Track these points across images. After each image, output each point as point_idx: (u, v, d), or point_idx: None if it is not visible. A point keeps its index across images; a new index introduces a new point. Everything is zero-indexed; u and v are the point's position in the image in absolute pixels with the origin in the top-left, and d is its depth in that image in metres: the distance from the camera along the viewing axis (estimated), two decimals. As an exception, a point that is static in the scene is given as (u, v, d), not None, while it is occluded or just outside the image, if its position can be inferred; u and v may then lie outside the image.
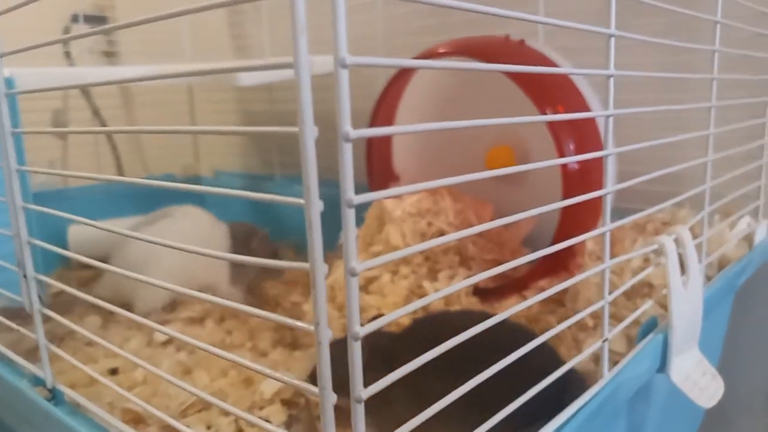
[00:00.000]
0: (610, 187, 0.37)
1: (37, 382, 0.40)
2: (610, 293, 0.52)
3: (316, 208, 0.19)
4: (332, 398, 0.20)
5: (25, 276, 0.38)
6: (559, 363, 0.35)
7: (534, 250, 0.77)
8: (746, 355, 0.76)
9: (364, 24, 0.99)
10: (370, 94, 0.78)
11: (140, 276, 0.32)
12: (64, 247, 0.82)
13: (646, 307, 0.43)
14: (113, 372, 0.58)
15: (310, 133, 0.18)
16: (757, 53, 0.60)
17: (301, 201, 0.19)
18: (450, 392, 0.25)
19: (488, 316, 0.48)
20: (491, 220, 0.76)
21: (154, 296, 0.76)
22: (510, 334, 0.33)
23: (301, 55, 0.18)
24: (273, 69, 0.19)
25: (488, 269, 0.76)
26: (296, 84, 0.18)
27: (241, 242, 0.83)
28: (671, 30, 0.74)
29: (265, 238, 0.87)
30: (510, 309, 0.31)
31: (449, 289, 0.25)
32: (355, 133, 0.19)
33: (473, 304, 0.67)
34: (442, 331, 0.26)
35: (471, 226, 0.73)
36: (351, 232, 0.19)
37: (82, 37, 0.26)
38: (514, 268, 0.74)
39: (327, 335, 0.19)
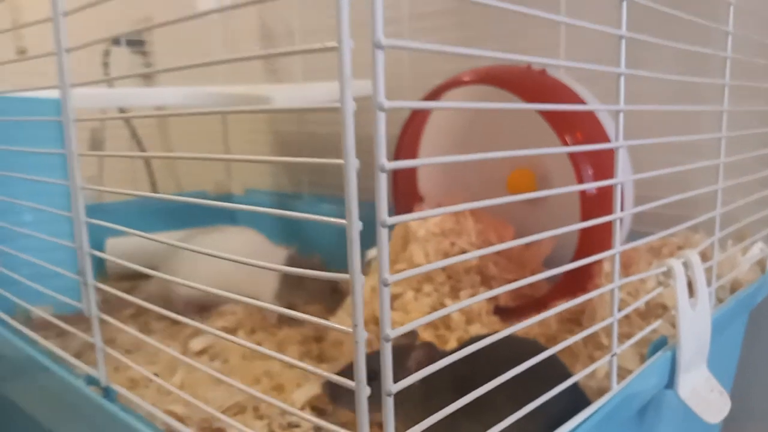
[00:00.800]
0: (619, 212, 0.40)
1: (91, 381, 0.44)
2: (622, 312, 0.55)
3: (356, 227, 0.22)
4: (366, 391, 0.23)
5: (86, 284, 0.42)
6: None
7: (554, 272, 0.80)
8: (762, 373, 0.78)
9: (392, 53, 1.03)
10: (397, 118, 0.82)
11: (187, 282, 0.35)
12: (101, 259, 0.87)
13: (655, 326, 0.46)
14: (156, 375, 0.62)
15: (352, 165, 0.22)
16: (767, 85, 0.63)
17: (344, 221, 0.23)
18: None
19: (530, 343, 0.51)
20: (510, 239, 0.79)
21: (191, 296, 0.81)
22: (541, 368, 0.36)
23: (347, 102, 0.21)
24: (322, 111, 0.23)
25: (511, 293, 0.78)
26: (342, 125, 0.21)
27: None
28: (685, 59, 0.76)
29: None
30: (526, 322, 0.34)
31: (469, 301, 0.28)
32: (390, 165, 0.22)
33: (494, 322, 0.70)
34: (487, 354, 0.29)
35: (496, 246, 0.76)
36: (384, 249, 0.23)
37: (169, 70, 0.30)
38: (534, 289, 0.77)
39: (363, 335, 0.23)
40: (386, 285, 0.23)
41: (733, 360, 0.68)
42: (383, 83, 0.22)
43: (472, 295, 0.72)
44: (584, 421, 0.36)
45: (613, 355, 0.40)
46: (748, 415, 0.79)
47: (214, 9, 0.29)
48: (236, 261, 0.30)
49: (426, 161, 0.25)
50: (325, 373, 0.25)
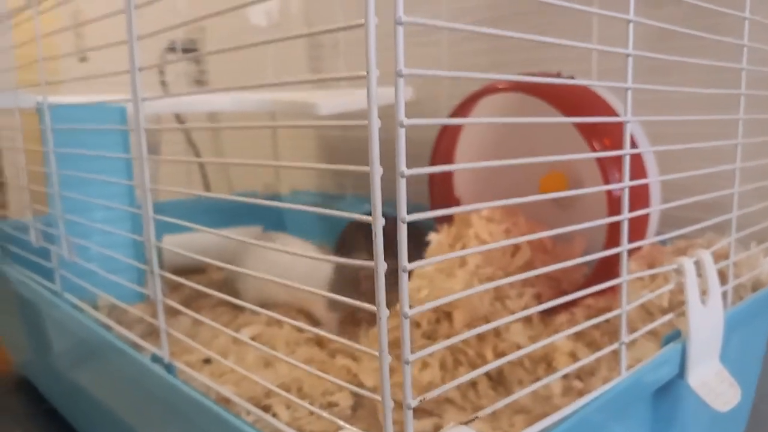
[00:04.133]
0: (626, 213, 0.44)
1: (155, 359, 0.50)
2: (643, 308, 0.59)
3: (379, 223, 0.27)
4: (387, 357, 0.28)
5: (152, 272, 0.48)
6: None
7: (587, 271, 0.84)
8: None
9: (431, 59, 1.08)
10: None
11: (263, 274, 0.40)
12: (159, 254, 0.94)
13: (664, 320, 0.50)
14: (207, 361, 0.68)
15: (377, 171, 0.27)
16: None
17: (370, 218, 0.27)
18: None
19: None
20: (550, 241, 0.83)
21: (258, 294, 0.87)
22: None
23: (373, 120, 0.26)
24: (354, 126, 0.28)
25: (550, 284, 0.82)
26: (369, 139, 0.26)
27: (349, 280, 0.88)
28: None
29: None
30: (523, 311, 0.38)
31: (498, 282, 0.32)
32: (408, 172, 0.27)
33: (535, 318, 0.74)
34: None
35: (538, 245, 0.79)
36: (403, 242, 0.27)
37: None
38: (567, 287, 0.80)
39: (385, 313, 0.27)
40: (405, 271, 0.27)
41: (758, 356, 0.71)
42: (403, 105, 0.27)
43: (521, 293, 0.76)
44: (589, 403, 0.40)
45: (621, 344, 0.44)
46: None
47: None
48: (290, 253, 0.35)
49: (445, 168, 0.30)
50: (355, 345, 0.30)
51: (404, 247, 0.27)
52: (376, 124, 0.26)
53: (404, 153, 0.27)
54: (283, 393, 0.39)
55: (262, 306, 0.84)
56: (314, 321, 0.84)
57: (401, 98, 0.26)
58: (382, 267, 0.27)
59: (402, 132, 0.27)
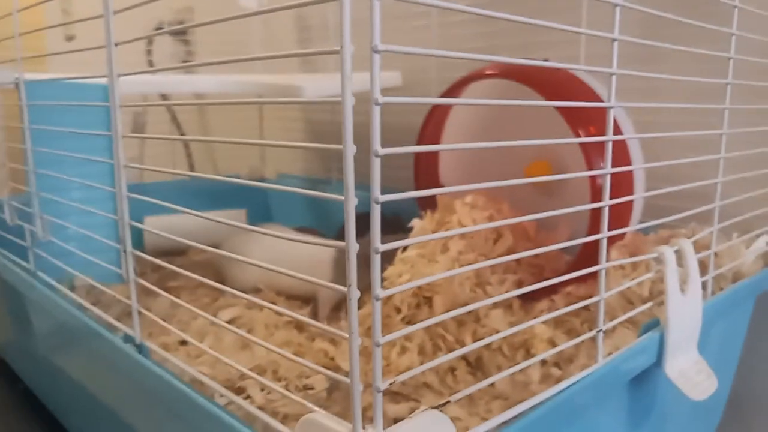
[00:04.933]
0: (607, 201, 0.43)
1: (127, 339, 0.49)
2: (624, 296, 0.59)
3: (352, 202, 0.27)
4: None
5: (125, 251, 0.47)
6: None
7: (570, 258, 0.83)
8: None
9: (420, 43, 1.07)
10: (423, 109, 0.86)
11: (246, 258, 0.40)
12: (140, 235, 0.93)
13: (644, 308, 0.49)
14: (183, 343, 0.67)
15: (350, 150, 0.26)
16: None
17: (341, 197, 0.27)
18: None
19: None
20: (533, 229, 0.82)
21: (245, 279, 0.87)
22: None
23: (347, 97, 0.25)
24: (325, 103, 0.27)
25: (532, 271, 0.81)
26: (343, 116, 0.26)
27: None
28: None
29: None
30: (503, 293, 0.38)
31: (474, 266, 0.31)
32: (382, 152, 0.26)
33: (516, 304, 0.74)
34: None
35: (521, 232, 0.79)
36: (377, 223, 0.27)
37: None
38: (549, 274, 0.80)
39: (356, 294, 0.27)
40: (377, 253, 0.27)
41: (737, 346, 0.71)
42: (379, 82, 0.26)
43: (502, 280, 0.75)
44: (565, 389, 0.40)
45: (598, 331, 0.44)
46: (754, 402, 0.81)
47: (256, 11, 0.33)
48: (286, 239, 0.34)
49: (422, 148, 0.29)
50: (325, 327, 0.29)
51: (377, 229, 0.27)
52: (350, 100, 0.26)
53: (379, 132, 0.27)
54: (255, 376, 0.39)
55: (255, 292, 0.85)
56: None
57: (377, 74, 0.26)
58: (353, 247, 0.27)
59: (377, 110, 0.26)
